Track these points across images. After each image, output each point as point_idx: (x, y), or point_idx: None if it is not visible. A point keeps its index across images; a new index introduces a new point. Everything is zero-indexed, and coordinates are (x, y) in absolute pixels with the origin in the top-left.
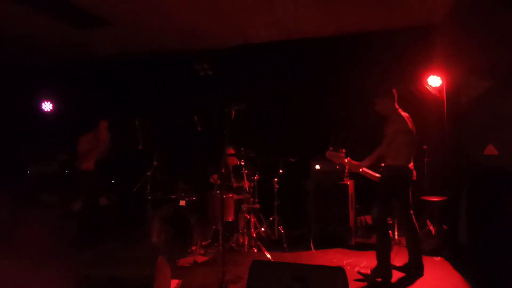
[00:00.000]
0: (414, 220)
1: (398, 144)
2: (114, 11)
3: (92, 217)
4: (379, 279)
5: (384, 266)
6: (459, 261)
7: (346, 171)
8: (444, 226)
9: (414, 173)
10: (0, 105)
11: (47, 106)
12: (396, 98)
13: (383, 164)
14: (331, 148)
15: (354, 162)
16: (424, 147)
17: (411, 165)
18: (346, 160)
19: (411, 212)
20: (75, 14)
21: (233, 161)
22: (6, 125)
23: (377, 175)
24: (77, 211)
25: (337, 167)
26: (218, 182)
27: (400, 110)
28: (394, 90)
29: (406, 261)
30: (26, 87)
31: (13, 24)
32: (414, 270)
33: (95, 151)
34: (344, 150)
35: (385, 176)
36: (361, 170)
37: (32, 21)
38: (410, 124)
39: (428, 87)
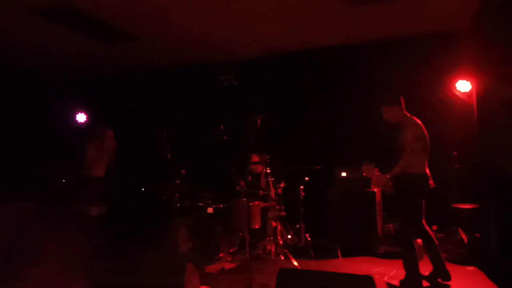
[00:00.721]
0: (428, 229)
1: (415, 151)
2: (140, 26)
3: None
4: None
5: (412, 277)
6: (493, 270)
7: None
8: (477, 235)
9: (431, 180)
10: (36, 118)
11: (81, 118)
12: (400, 102)
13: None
14: (367, 162)
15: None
16: (454, 153)
17: (427, 171)
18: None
19: (423, 221)
20: (102, 29)
21: (257, 168)
22: (43, 136)
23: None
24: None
25: (364, 174)
26: (245, 189)
27: (409, 115)
28: (396, 95)
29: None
30: (61, 100)
31: (45, 40)
32: (440, 279)
33: (103, 158)
34: (375, 164)
35: (404, 185)
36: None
37: (63, 39)
38: (424, 129)
39: (457, 92)
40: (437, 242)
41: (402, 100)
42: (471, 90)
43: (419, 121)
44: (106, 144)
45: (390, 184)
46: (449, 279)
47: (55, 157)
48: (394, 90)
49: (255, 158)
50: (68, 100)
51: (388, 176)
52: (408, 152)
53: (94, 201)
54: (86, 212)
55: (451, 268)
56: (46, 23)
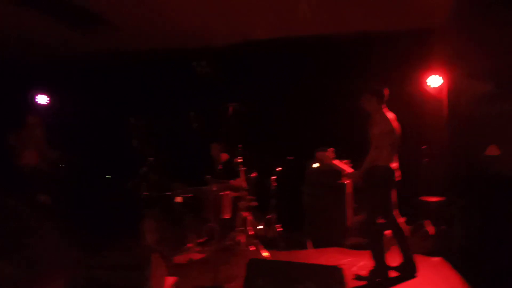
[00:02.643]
0: (399, 221)
1: (381, 145)
2: (112, 9)
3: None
4: (377, 279)
5: (380, 267)
6: (458, 261)
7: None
8: (443, 227)
9: (398, 173)
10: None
11: (42, 99)
12: (385, 99)
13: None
14: (322, 148)
15: (346, 166)
16: (423, 147)
17: (394, 165)
18: (336, 162)
19: (395, 212)
20: (73, 13)
21: (223, 156)
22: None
23: (350, 170)
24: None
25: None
26: (214, 178)
27: (385, 110)
28: (385, 90)
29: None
30: (23, 86)
31: (11, 23)
32: (407, 271)
33: (28, 147)
34: (332, 149)
35: (369, 177)
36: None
37: (30, 21)
38: (394, 124)
39: (427, 87)
40: (407, 235)
41: (385, 95)
42: (442, 85)
43: (391, 116)
44: (28, 132)
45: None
46: (414, 271)
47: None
48: (382, 83)
49: (216, 147)
50: (31, 84)
51: (360, 171)
52: (373, 147)
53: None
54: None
55: (417, 259)
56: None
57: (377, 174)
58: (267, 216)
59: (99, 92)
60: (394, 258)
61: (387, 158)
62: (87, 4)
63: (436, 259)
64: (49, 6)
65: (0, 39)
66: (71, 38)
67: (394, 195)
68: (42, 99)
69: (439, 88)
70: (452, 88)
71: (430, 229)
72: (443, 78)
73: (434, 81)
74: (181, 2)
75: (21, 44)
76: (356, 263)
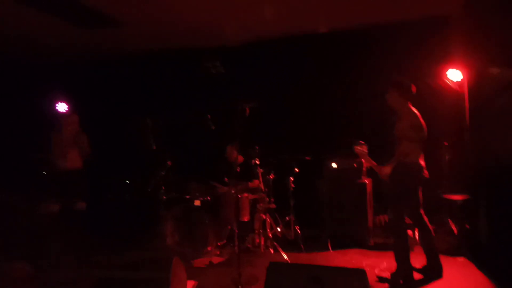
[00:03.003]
0: (426, 220)
1: (411, 139)
2: (124, 10)
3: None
4: (401, 282)
5: (404, 268)
6: (482, 261)
7: (364, 169)
8: (467, 225)
9: (426, 170)
10: (14, 106)
11: (61, 107)
12: (408, 92)
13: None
14: (361, 142)
15: (377, 165)
16: (445, 143)
17: (422, 162)
18: (373, 164)
19: (422, 211)
20: (85, 14)
21: (240, 159)
22: (20, 127)
23: (382, 168)
24: (51, 213)
25: (355, 165)
26: (232, 181)
27: (410, 105)
28: (407, 84)
29: (425, 262)
30: (38, 88)
31: (23, 25)
32: (432, 272)
33: (69, 148)
34: (366, 147)
35: (397, 174)
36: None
37: (41, 22)
38: (421, 119)
39: (447, 81)
40: (434, 234)
41: (411, 89)
42: (462, 79)
43: (417, 112)
44: (69, 132)
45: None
46: (440, 273)
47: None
48: (407, 78)
49: (231, 150)
50: (48, 89)
51: (390, 167)
52: (402, 142)
53: (56, 197)
54: (42, 209)
55: (441, 259)
56: (22, 5)
57: (406, 171)
58: (286, 218)
59: (112, 95)
60: (417, 259)
61: (416, 153)
62: (98, 4)
63: (460, 259)
64: (59, 7)
65: (8, 40)
66: (81, 39)
67: (420, 193)
68: (62, 106)
69: (460, 83)
70: (473, 81)
71: (453, 227)
72: (463, 72)
73: (455, 75)
74: (192, 1)
75: (32, 45)
76: (379, 265)
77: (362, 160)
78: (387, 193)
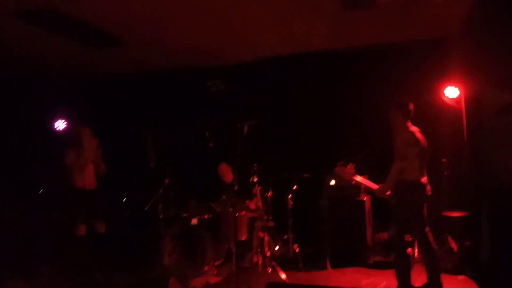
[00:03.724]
0: (431, 238)
1: (408, 157)
2: (127, 30)
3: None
4: None
5: (405, 286)
6: (483, 279)
7: (362, 186)
8: (467, 243)
9: (429, 187)
10: (16, 123)
11: (60, 124)
12: (408, 111)
13: None
14: (341, 163)
15: (369, 182)
16: (443, 160)
17: (424, 179)
18: (358, 178)
19: (427, 229)
20: (88, 34)
21: (228, 179)
22: (21, 143)
23: (375, 186)
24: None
25: (353, 182)
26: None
27: (409, 124)
28: (410, 104)
29: (425, 281)
30: (41, 105)
31: (28, 44)
32: None
33: (87, 164)
34: (353, 166)
35: (399, 192)
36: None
37: (46, 42)
38: (418, 135)
39: (445, 99)
40: (438, 255)
41: (411, 109)
42: (459, 96)
43: (415, 129)
44: (85, 145)
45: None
46: None
47: (36, 165)
48: (408, 97)
49: (224, 168)
50: (49, 106)
51: (386, 187)
52: (398, 159)
53: (80, 218)
54: (73, 230)
55: (441, 277)
56: (28, 25)
57: (408, 189)
58: (285, 236)
59: (112, 113)
60: (417, 278)
61: (416, 171)
62: (101, 24)
63: (460, 277)
64: (62, 26)
65: (12, 58)
66: (84, 57)
67: (425, 211)
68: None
69: (457, 99)
70: (470, 98)
71: (454, 245)
72: (460, 89)
73: (452, 92)
74: (193, 22)
75: (35, 64)
76: (378, 284)
77: (346, 179)
78: (391, 210)
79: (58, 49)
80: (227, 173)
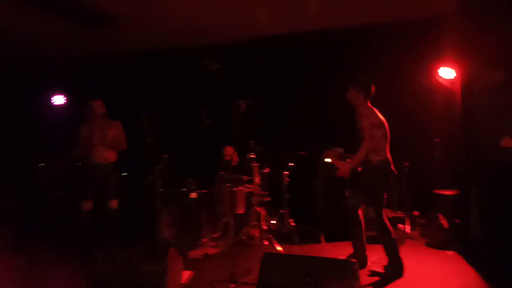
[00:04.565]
0: (386, 219)
1: (376, 138)
2: (120, 9)
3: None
4: (391, 274)
5: (395, 262)
6: (472, 255)
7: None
8: (457, 220)
9: (393, 166)
10: (12, 104)
11: (58, 100)
12: (369, 92)
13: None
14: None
15: (339, 162)
16: (436, 140)
17: (389, 157)
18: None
19: (384, 211)
20: (83, 13)
21: (234, 160)
22: (18, 123)
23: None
24: (87, 211)
25: (348, 159)
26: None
27: (369, 104)
28: (369, 83)
29: (420, 256)
30: (36, 86)
31: (21, 24)
32: (394, 272)
33: (100, 139)
34: (340, 150)
35: (369, 172)
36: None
37: (39, 21)
38: (381, 116)
39: (440, 79)
40: (394, 236)
41: (372, 90)
42: (455, 77)
43: (376, 111)
44: (96, 120)
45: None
46: (401, 271)
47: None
48: (370, 78)
49: (229, 151)
50: (45, 86)
51: (351, 165)
52: (367, 139)
53: (87, 193)
54: (78, 206)
55: (431, 252)
56: (21, 5)
57: (375, 168)
58: (280, 211)
59: (110, 92)
60: (408, 252)
61: (383, 150)
62: (94, 4)
63: (450, 253)
64: (56, 6)
65: (6, 39)
66: (80, 38)
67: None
68: (59, 99)
69: (453, 80)
70: (465, 78)
71: (444, 222)
72: (455, 69)
73: (447, 73)
74: (188, 0)
75: (29, 45)
76: (370, 257)
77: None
78: (361, 191)
79: (52, 29)
80: (233, 156)
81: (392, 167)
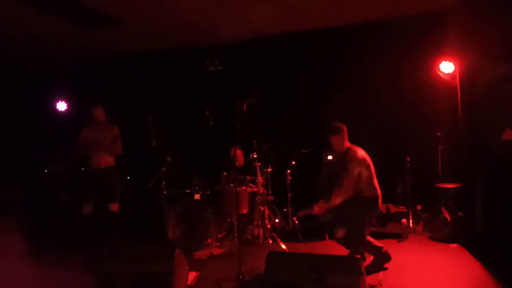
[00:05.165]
0: (370, 238)
1: (368, 177)
2: (124, 10)
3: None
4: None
5: (380, 257)
6: (475, 248)
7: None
8: (460, 213)
9: (381, 199)
10: (17, 106)
11: (61, 105)
12: (346, 133)
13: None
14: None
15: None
16: (438, 134)
17: (379, 191)
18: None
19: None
20: (86, 14)
21: (240, 162)
22: (23, 125)
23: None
24: (87, 214)
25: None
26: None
27: (349, 144)
28: (343, 126)
29: (424, 250)
30: (41, 87)
31: (25, 26)
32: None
33: (98, 144)
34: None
35: (355, 206)
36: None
37: (44, 23)
38: (363, 152)
39: (440, 74)
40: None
41: (345, 129)
42: (454, 71)
43: (359, 148)
44: (96, 125)
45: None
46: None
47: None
48: (336, 120)
49: (236, 152)
50: (50, 88)
51: (327, 207)
52: (350, 180)
53: (87, 197)
54: (80, 209)
55: (435, 246)
56: (24, 6)
57: (363, 204)
58: (284, 210)
59: (113, 93)
60: (411, 249)
61: (374, 187)
62: (98, 4)
63: (453, 245)
64: (60, 7)
65: (9, 40)
66: (82, 38)
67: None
68: (61, 105)
69: (452, 74)
70: (465, 72)
71: (447, 216)
72: (455, 64)
73: (447, 67)
74: (191, 0)
75: (33, 45)
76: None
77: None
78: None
79: (56, 31)
80: (240, 158)
81: (379, 201)
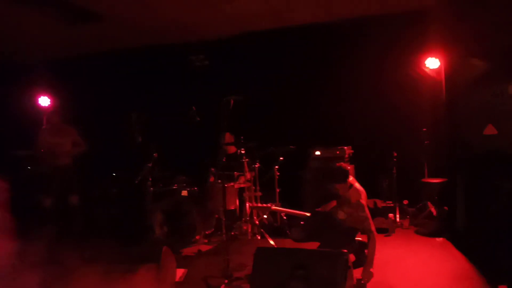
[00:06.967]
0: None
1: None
2: (106, 6)
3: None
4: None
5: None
6: (460, 241)
7: (346, 156)
8: (445, 208)
9: None
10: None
11: (44, 101)
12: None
13: None
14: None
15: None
16: (423, 129)
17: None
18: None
19: None
20: (66, 10)
21: (231, 148)
22: (3, 124)
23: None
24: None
25: (337, 152)
26: (219, 171)
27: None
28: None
29: (410, 244)
30: (21, 85)
31: (2, 22)
32: None
33: (59, 145)
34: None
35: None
36: None
37: (24, 19)
38: (359, 187)
39: (426, 70)
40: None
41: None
42: (439, 67)
43: (356, 184)
44: (56, 129)
45: None
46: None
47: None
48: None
49: (228, 137)
50: (30, 84)
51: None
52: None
53: (50, 191)
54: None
55: (421, 240)
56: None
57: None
58: (272, 205)
59: (97, 89)
60: (398, 242)
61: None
62: (82, 1)
63: (439, 239)
64: (41, 3)
65: None
66: (66, 36)
67: None
68: (44, 101)
69: (437, 70)
70: (450, 69)
71: (433, 210)
72: (440, 60)
73: (432, 63)
74: None
75: (14, 42)
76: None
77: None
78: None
79: (36, 26)
80: (231, 144)
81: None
